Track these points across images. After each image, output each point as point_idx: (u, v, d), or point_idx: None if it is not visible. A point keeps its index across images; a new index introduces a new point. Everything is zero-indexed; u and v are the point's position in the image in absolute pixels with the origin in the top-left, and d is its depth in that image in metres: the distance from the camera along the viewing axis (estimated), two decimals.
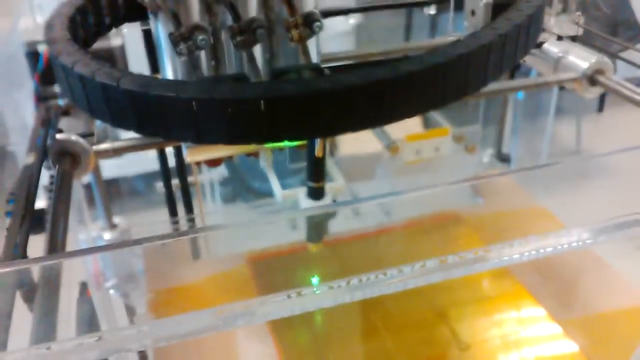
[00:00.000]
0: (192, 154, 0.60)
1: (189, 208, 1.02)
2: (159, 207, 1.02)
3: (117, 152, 0.60)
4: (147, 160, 1.35)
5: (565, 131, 2.19)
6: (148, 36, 0.86)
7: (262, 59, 0.53)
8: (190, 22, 0.51)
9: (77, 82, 0.47)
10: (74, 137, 0.55)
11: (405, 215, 0.82)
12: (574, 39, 0.69)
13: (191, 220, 1.03)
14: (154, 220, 1.05)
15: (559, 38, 0.69)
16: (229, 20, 0.51)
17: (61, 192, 0.47)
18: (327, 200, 0.66)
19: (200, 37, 0.49)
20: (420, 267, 0.29)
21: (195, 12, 0.51)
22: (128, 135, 0.59)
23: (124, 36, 0.73)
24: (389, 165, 0.72)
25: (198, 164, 0.66)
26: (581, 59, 0.65)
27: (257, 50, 0.52)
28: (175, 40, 0.50)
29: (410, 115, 0.45)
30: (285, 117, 0.42)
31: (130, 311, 0.73)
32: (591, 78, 0.66)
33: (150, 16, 0.55)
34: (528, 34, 0.52)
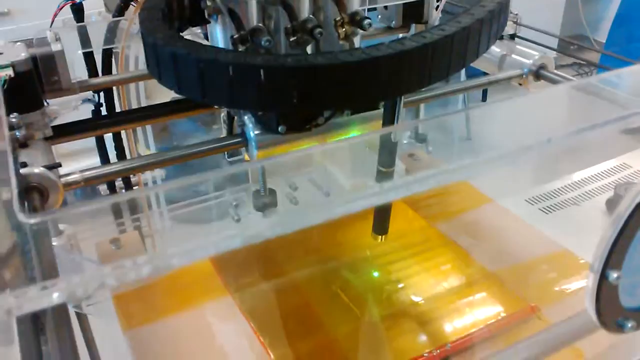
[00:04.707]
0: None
1: (131, 206, 1.03)
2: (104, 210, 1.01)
3: (87, 182, 0.57)
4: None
5: (455, 119, 2.38)
6: (85, 40, 0.88)
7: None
8: (249, 25, 0.53)
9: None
10: (38, 170, 0.50)
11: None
12: (512, 37, 0.75)
13: (136, 221, 1.04)
14: (100, 223, 1.05)
15: (500, 37, 0.72)
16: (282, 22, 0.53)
17: None
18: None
19: (265, 39, 0.51)
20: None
21: (253, 15, 0.53)
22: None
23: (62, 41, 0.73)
24: None
25: None
26: (525, 57, 0.70)
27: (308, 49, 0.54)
28: (235, 43, 0.52)
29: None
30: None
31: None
32: (536, 73, 0.70)
33: (211, 20, 0.57)
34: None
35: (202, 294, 0.72)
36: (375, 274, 0.73)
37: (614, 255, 0.36)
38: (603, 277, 0.37)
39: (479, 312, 0.66)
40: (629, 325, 0.40)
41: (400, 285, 0.70)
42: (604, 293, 0.38)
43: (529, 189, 1.28)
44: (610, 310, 0.39)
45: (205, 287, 0.73)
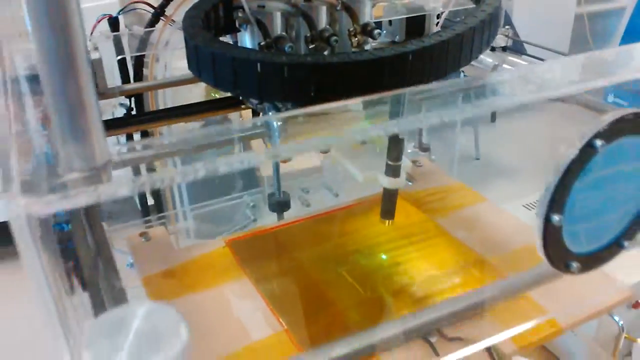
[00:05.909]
0: None
1: (159, 208, 1.12)
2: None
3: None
4: None
5: (464, 139, 2.46)
6: (119, 49, 0.98)
7: None
8: (274, 34, 0.61)
9: None
10: None
11: (353, 197, 0.98)
12: (504, 49, 0.83)
13: (162, 218, 1.12)
14: (126, 223, 1.13)
15: (492, 49, 0.81)
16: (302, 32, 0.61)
17: None
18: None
19: (287, 45, 0.59)
20: None
21: (277, 25, 0.62)
22: None
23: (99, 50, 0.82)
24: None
25: None
26: (514, 66, 0.77)
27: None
28: (262, 49, 0.60)
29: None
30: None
31: None
32: None
33: (241, 29, 0.65)
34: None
35: (221, 275, 0.80)
36: (379, 257, 0.81)
37: (555, 202, 0.45)
38: (547, 220, 0.45)
39: (470, 291, 0.73)
40: (574, 265, 0.50)
41: (400, 268, 0.78)
42: (550, 235, 0.46)
43: (526, 196, 1.36)
44: (557, 252, 0.48)
45: (224, 269, 0.81)
